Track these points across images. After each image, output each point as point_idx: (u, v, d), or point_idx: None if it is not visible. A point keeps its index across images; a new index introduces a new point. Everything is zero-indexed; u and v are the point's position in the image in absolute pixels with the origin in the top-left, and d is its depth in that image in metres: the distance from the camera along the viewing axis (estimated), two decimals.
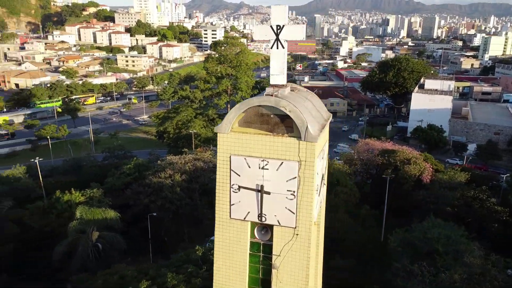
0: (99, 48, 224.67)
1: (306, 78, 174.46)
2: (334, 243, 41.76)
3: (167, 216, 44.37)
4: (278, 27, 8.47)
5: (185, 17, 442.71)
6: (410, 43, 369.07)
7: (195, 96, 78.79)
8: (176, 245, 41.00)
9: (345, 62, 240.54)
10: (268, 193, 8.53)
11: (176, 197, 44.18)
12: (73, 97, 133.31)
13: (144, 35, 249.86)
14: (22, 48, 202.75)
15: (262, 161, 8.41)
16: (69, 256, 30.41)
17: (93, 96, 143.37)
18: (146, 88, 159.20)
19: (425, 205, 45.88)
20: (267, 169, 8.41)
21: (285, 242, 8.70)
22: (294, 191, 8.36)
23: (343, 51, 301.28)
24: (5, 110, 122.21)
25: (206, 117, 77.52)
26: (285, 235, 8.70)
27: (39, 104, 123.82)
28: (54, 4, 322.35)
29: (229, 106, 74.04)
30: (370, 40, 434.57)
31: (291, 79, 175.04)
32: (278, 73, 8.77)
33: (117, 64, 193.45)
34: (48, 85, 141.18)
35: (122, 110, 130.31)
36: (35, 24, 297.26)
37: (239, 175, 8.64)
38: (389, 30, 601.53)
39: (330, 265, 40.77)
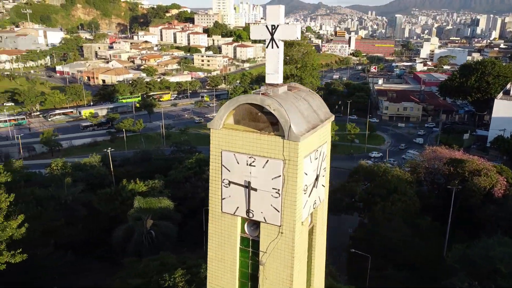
0: (178, 48, 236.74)
1: (380, 81, 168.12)
2: (389, 252, 40.10)
3: None
4: (273, 27, 8.57)
5: (261, 18, 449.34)
6: (502, 45, 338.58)
7: None
8: None
9: (424, 65, 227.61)
10: (255, 189, 8.67)
11: None
12: (151, 93, 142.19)
13: (220, 36, 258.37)
14: (111, 47, 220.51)
15: (249, 158, 8.58)
16: (127, 241, 32.70)
17: (169, 93, 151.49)
18: (219, 87, 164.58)
19: (495, 221, 42.21)
20: (254, 166, 8.57)
21: (271, 239, 8.78)
22: (279, 190, 8.41)
23: (424, 53, 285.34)
24: (91, 103, 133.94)
25: None
26: (271, 232, 8.78)
27: (121, 99, 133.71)
28: (141, 7, 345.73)
29: None
30: (456, 41, 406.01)
31: (363, 81, 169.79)
32: (273, 72, 8.88)
33: (193, 63, 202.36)
34: (130, 81, 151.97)
35: (194, 107, 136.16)
36: (124, 25, 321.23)
37: (229, 171, 8.89)
38: (478, 31, 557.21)
39: (382, 275, 39.30)
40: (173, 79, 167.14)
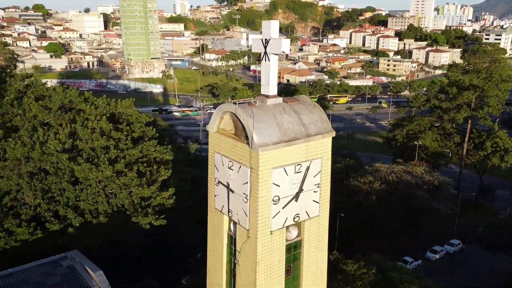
0: (366, 51, 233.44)
1: None
2: None
3: (356, 220, 44.52)
4: (266, 41, 8.97)
5: (468, 20, 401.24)
6: None
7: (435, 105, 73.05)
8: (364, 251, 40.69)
9: None
10: (233, 191, 9.29)
11: (368, 204, 43.78)
12: (328, 95, 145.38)
13: (413, 40, 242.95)
14: (301, 50, 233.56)
15: (229, 161, 9.25)
16: None
17: (346, 96, 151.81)
18: (402, 93, 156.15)
19: None
20: (232, 169, 9.20)
21: (243, 241, 9.27)
22: (247, 195, 8.84)
23: None
24: None
25: (442, 130, 70.73)
26: (242, 234, 9.28)
27: None
28: (336, 10, 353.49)
29: (469, 121, 64.92)
30: None
31: None
32: (265, 84, 9.26)
33: (378, 68, 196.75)
34: (311, 83, 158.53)
35: (368, 112, 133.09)
36: (317, 29, 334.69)
37: (218, 171, 9.73)
38: None
39: None
40: (353, 82, 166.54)
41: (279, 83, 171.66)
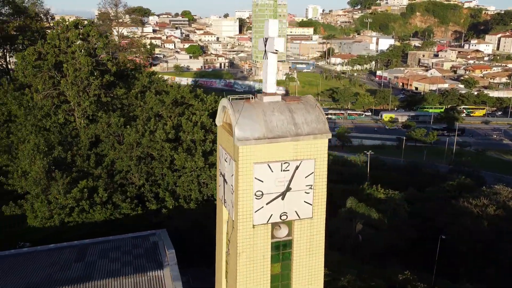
0: None
1: None
2: None
3: (462, 245, 40.04)
4: (265, 40, 9.18)
5: None
6: None
7: None
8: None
9: None
10: (227, 182, 9.73)
11: (477, 229, 38.99)
12: (462, 107, 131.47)
13: None
14: (436, 55, 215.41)
15: (225, 153, 9.71)
16: (331, 235, 34.96)
17: (483, 108, 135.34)
18: None
19: None
20: (227, 161, 9.64)
21: (231, 232, 9.64)
22: (233, 187, 9.19)
23: None
24: (395, 108, 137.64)
25: None
26: (231, 225, 9.63)
27: (425, 108, 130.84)
28: (485, 13, 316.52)
29: None
30: None
31: None
32: (265, 82, 9.46)
33: None
34: (442, 92, 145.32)
35: (508, 128, 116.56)
36: (460, 33, 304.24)
37: (220, 163, 10.26)
38: None
39: None
40: (495, 93, 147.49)
41: (406, 90, 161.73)
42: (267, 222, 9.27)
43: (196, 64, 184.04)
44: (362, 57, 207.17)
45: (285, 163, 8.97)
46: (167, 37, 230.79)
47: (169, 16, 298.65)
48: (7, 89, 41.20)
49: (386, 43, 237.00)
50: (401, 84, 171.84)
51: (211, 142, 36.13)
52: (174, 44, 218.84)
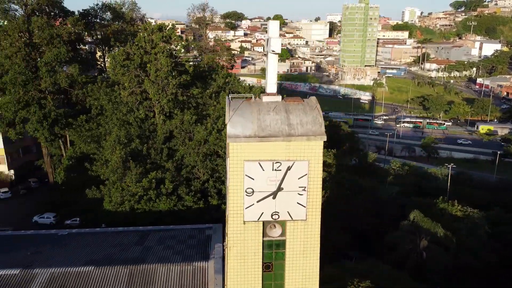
0: None
1: None
2: None
3: None
4: (267, 41, 9.36)
5: None
6: None
7: None
8: None
9: None
10: (226, 178, 10.07)
11: None
12: None
13: None
14: None
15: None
16: (392, 248, 33.15)
17: None
18: None
19: None
20: (226, 158, 9.97)
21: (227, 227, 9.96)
22: (227, 183, 9.51)
23: None
24: (495, 120, 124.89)
25: None
26: (226, 219, 9.95)
27: None
28: None
29: None
30: None
31: None
32: (266, 82, 9.62)
33: None
34: None
35: None
36: None
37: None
38: None
39: None
40: None
41: (508, 100, 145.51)
42: (258, 219, 9.43)
43: (282, 68, 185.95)
44: (461, 63, 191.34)
45: (276, 162, 9.06)
46: (257, 40, 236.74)
47: (261, 20, 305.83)
48: (100, 85, 46.15)
49: (491, 48, 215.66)
50: (505, 93, 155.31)
51: None
52: (263, 47, 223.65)
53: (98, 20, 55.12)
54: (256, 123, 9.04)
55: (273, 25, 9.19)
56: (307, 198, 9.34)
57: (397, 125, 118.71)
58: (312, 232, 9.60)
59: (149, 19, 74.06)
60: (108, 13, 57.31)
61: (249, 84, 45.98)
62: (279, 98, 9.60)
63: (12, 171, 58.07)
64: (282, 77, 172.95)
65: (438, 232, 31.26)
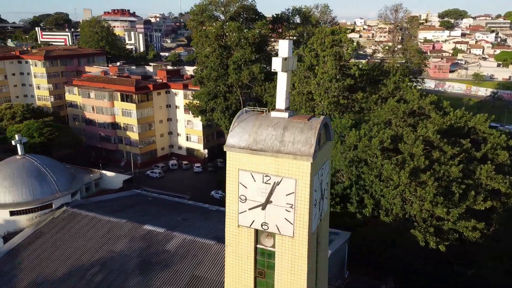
0: None
1: None
2: None
3: None
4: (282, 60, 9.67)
5: None
6: None
7: None
8: None
9: None
10: None
11: None
12: None
13: None
14: None
15: None
16: None
17: None
18: None
19: None
20: None
21: None
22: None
23: None
24: None
25: None
26: None
27: None
28: None
29: None
30: None
31: None
32: (276, 97, 9.94)
33: None
34: None
35: None
36: None
37: None
38: None
39: None
40: None
41: None
42: (250, 226, 10.02)
43: (503, 74, 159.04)
44: None
45: (266, 176, 9.45)
46: (476, 41, 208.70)
47: (487, 18, 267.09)
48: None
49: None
50: None
51: (425, 157, 33.46)
52: (483, 50, 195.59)
53: (286, 23, 59.82)
54: (252, 136, 9.56)
55: (284, 45, 9.44)
56: (295, 216, 9.38)
57: None
58: (299, 251, 9.53)
59: (340, 22, 75.27)
60: (297, 17, 61.43)
61: (417, 92, 42.57)
62: (285, 114, 9.80)
63: (206, 151, 69.58)
64: (501, 85, 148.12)
65: None
